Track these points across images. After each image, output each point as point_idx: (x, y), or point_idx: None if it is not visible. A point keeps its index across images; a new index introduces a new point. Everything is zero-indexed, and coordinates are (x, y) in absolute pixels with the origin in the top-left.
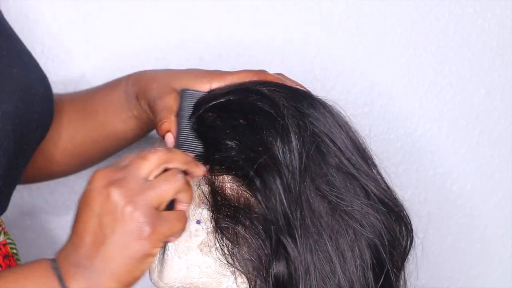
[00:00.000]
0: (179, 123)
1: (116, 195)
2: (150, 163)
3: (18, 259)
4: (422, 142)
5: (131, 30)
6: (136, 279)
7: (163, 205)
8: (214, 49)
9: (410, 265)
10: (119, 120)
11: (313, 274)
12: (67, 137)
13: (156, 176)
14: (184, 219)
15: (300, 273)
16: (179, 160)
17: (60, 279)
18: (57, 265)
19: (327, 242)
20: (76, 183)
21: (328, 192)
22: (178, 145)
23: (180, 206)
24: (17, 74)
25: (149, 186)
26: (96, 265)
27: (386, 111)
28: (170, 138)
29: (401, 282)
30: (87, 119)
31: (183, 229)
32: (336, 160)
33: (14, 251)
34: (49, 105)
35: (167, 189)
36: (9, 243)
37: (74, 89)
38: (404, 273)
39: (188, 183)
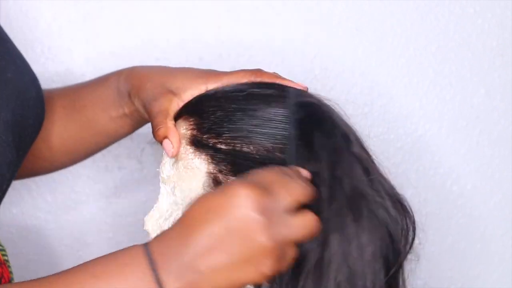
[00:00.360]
0: (291, 135)
1: (258, 224)
2: (295, 199)
3: (9, 266)
4: (422, 142)
5: (131, 30)
6: None
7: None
8: (214, 49)
9: (410, 265)
10: (109, 117)
11: (336, 252)
12: (56, 133)
13: (294, 211)
14: (294, 250)
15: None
16: (310, 197)
17: (158, 281)
18: (152, 257)
19: (351, 224)
20: (76, 183)
21: (355, 179)
22: (290, 160)
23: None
24: (12, 79)
25: (288, 226)
26: (202, 271)
27: (386, 111)
28: (168, 145)
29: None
30: (75, 115)
31: (292, 261)
32: (356, 151)
33: (6, 257)
34: (42, 107)
35: (302, 234)
36: (0, 250)
37: None
38: (403, 270)
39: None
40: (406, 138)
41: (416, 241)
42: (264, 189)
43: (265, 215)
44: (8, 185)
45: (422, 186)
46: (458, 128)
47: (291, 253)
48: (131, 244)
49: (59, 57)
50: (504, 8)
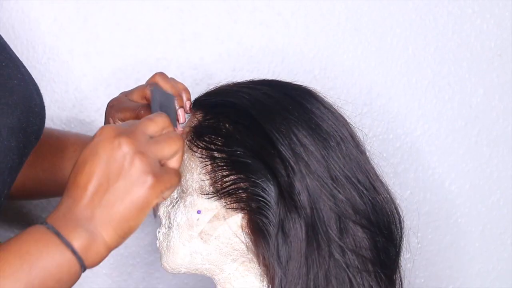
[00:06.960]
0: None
1: (125, 144)
2: (157, 125)
3: None
4: (421, 142)
5: (131, 30)
6: (131, 231)
7: (163, 162)
8: (214, 49)
9: (409, 264)
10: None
11: None
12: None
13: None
14: (179, 174)
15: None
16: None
17: (58, 235)
18: (50, 225)
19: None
20: None
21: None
22: None
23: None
24: (18, 87)
25: (155, 141)
26: (96, 214)
27: (385, 111)
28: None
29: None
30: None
31: (179, 182)
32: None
33: None
34: (44, 114)
35: (171, 146)
36: None
37: (76, 88)
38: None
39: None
40: (405, 137)
41: (415, 240)
42: (123, 124)
43: (127, 136)
44: (9, 190)
45: (421, 186)
46: (456, 128)
47: (174, 170)
48: (132, 242)
49: (60, 57)
50: (503, 9)
